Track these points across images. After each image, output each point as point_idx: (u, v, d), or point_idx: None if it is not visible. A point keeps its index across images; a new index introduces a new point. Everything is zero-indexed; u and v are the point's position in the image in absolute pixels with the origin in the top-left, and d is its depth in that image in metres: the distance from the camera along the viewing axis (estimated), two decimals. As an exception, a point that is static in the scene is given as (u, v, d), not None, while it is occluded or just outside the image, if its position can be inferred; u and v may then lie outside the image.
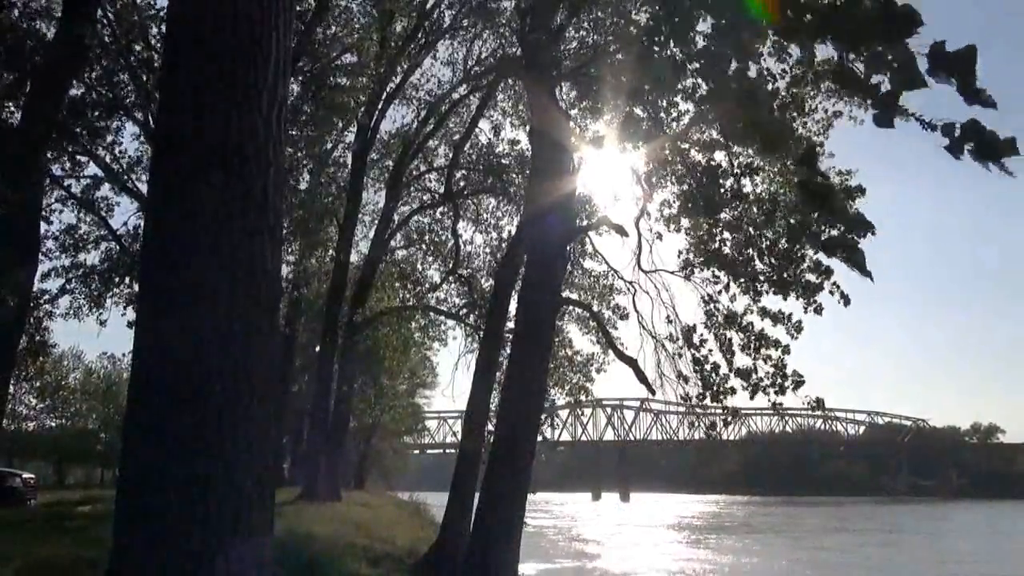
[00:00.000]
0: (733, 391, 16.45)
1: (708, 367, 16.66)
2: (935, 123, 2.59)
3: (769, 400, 16.03)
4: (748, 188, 15.05)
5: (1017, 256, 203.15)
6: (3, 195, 15.45)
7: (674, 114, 13.85)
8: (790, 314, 15.73)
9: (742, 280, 15.78)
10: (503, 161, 24.72)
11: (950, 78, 2.37)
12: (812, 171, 3.01)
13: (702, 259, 16.17)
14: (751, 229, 15.37)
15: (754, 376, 16.02)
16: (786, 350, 15.86)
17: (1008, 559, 33.45)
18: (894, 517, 66.82)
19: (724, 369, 16.51)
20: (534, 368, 14.81)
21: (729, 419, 18.60)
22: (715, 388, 16.59)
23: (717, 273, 16.19)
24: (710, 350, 16.70)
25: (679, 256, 16.68)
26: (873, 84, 2.56)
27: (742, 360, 16.36)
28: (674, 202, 16.39)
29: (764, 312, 15.83)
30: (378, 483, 53.45)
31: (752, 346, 16.09)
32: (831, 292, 14.71)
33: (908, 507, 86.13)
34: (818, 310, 14.93)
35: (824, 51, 2.68)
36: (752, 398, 16.34)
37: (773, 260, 15.17)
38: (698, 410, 18.09)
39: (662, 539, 43.52)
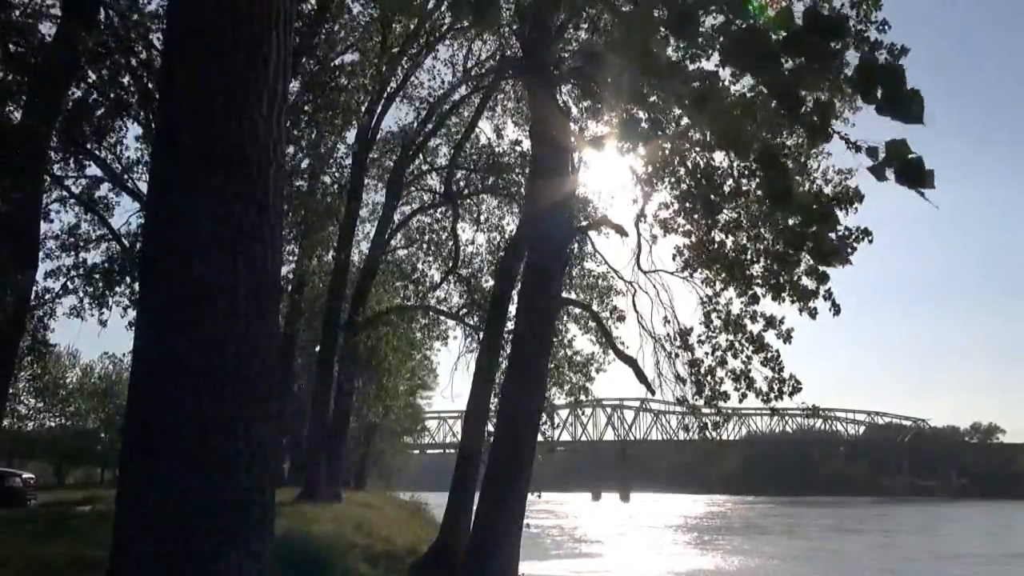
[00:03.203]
0: (727, 396, 16.50)
1: (704, 369, 16.70)
2: (860, 144, 2.62)
3: (768, 405, 16.09)
4: (748, 187, 15.04)
5: (1017, 256, 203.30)
6: (3, 195, 15.46)
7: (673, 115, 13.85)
8: (783, 318, 15.77)
9: (739, 283, 15.79)
10: (503, 161, 24.72)
11: (875, 95, 2.37)
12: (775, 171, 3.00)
13: (700, 259, 16.19)
14: (750, 231, 15.38)
15: (747, 380, 16.10)
16: (777, 357, 15.89)
17: (1013, 562, 33.43)
18: (896, 517, 66.81)
19: (720, 372, 16.57)
20: (534, 368, 14.82)
21: (723, 420, 18.66)
22: (711, 391, 16.63)
23: (713, 276, 16.23)
24: (706, 352, 16.76)
25: (676, 257, 16.73)
26: (805, 112, 2.59)
27: (738, 363, 16.43)
28: (672, 203, 16.42)
29: (755, 316, 15.86)
30: (378, 483, 53.40)
31: (745, 350, 16.14)
32: (824, 298, 14.67)
33: (909, 507, 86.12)
34: (812, 314, 14.91)
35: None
36: (741, 401, 16.43)
37: (770, 262, 15.16)
38: (695, 411, 18.12)
39: (666, 539, 43.49)
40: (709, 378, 16.63)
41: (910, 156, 2.37)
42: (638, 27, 2.51)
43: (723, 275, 16.00)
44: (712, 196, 14.82)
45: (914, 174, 2.37)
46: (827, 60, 2.44)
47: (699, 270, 16.49)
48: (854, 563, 33.08)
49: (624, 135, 8.98)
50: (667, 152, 15.11)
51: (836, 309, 14.51)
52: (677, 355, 17.23)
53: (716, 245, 15.77)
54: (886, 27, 13.13)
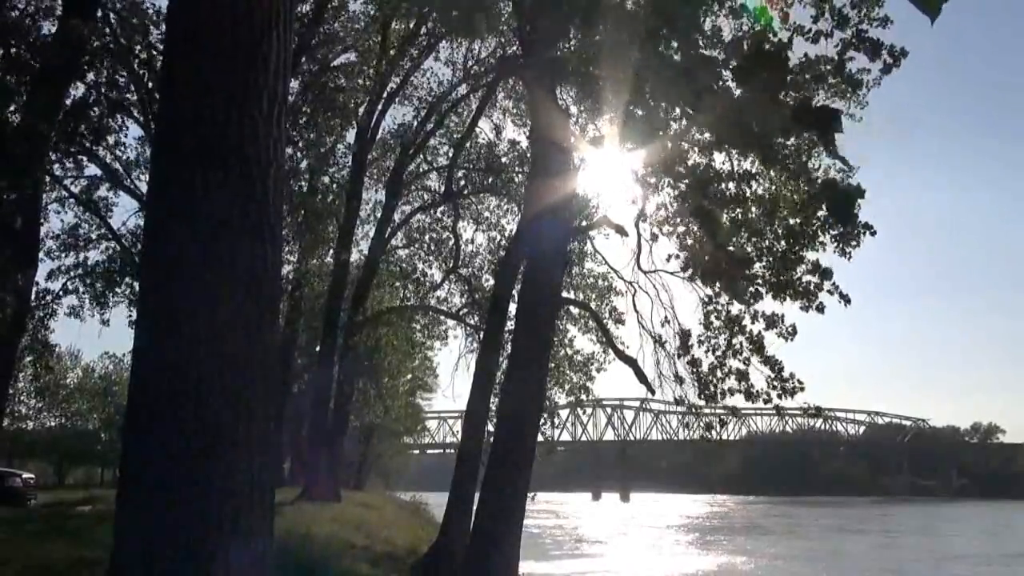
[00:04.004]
0: (732, 392, 16.50)
1: (704, 369, 16.70)
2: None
3: (770, 404, 16.10)
4: (748, 189, 15.05)
5: (1018, 255, 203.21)
6: (3, 195, 15.47)
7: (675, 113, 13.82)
8: (782, 315, 15.77)
9: (739, 283, 15.79)
10: (503, 161, 24.72)
11: (813, 132, 2.46)
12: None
13: (699, 259, 16.17)
14: (750, 232, 15.38)
15: (745, 383, 16.10)
16: (776, 358, 15.89)
17: (1013, 562, 33.43)
18: (897, 517, 66.80)
19: (720, 371, 16.56)
20: (534, 368, 14.81)
21: (726, 420, 18.64)
22: (712, 391, 16.63)
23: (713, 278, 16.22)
24: (706, 352, 16.76)
25: (671, 259, 16.73)
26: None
27: (737, 363, 16.43)
28: (672, 204, 16.42)
29: (755, 316, 15.86)
30: (378, 483, 53.36)
31: (744, 351, 16.13)
32: (830, 292, 14.70)
33: (909, 507, 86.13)
34: (820, 308, 14.93)
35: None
36: (747, 400, 16.42)
37: (772, 261, 15.16)
38: (695, 411, 18.12)
39: (667, 540, 43.41)
40: (712, 377, 16.63)
41: (839, 191, 2.42)
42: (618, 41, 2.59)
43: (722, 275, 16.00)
44: (711, 197, 14.81)
45: (842, 210, 2.43)
46: (772, 91, 2.48)
47: (699, 270, 16.48)
48: (855, 563, 33.05)
49: (626, 134, 8.98)
50: (667, 152, 15.10)
51: (846, 300, 14.53)
52: (680, 355, 17.24)
53: (716, 246, 15.77)
54: (888, 24, 13.10)
